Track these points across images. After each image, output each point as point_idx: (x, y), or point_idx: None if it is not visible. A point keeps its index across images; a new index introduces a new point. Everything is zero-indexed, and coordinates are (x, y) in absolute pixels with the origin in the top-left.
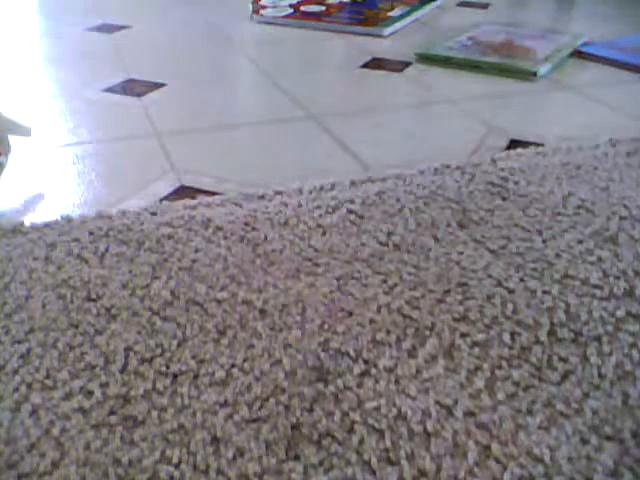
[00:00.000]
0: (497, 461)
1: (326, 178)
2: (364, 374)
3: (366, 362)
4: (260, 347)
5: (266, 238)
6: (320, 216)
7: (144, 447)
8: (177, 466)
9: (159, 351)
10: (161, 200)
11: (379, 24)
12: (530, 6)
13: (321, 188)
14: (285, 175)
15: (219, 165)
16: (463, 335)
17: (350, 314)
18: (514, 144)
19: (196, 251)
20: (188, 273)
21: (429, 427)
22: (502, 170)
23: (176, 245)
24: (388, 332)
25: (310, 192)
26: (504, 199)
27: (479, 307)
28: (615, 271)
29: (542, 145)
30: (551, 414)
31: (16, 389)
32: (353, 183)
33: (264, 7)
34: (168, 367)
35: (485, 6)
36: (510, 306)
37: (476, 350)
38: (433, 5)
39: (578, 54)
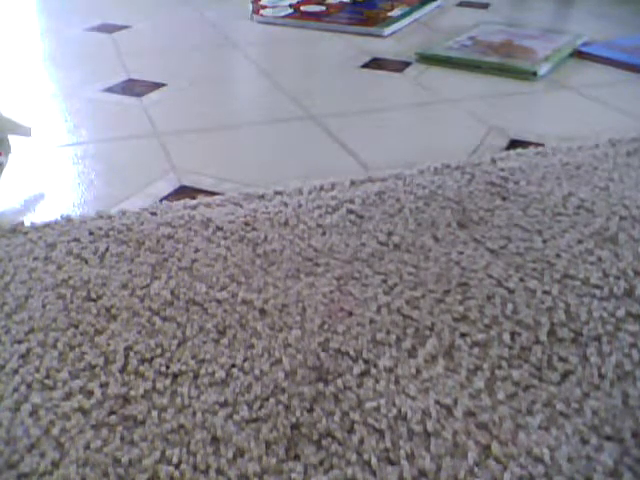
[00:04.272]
0: (497, 461)
1: (326, 178)
2: (364, 374)
3: (366, 362)
4: (260, 347)
5: (266, 238)
6: (320, 216)
7: (144, 447)
8: (177, 466)
9: (159, 351)
10: (161, 200)
11: (379, 24)
12: (530, 6)
13: (321, 188)
14: (285, 175)
15: (219, 165)
16: (463, 335)
17: (350, 314)
18: (514, 144)
19: (196, 251)
20: (188, 273)
21: (429, 427)
22: (502, 170)
23: (176, 245)
24: (388, 332)
25: (310, 192)
26: (504, 199)
27: (479, 307)
28: (615, 271)
29: (542, 145)
30: (551, 414)
31: (16, 389)
32: (353, 183)
33: (264, 7)
34: (168, 367)
35: (485, 6)
36: (510, 306)
37: (476, 350)
38: (433, 5)
39: (578, 54)
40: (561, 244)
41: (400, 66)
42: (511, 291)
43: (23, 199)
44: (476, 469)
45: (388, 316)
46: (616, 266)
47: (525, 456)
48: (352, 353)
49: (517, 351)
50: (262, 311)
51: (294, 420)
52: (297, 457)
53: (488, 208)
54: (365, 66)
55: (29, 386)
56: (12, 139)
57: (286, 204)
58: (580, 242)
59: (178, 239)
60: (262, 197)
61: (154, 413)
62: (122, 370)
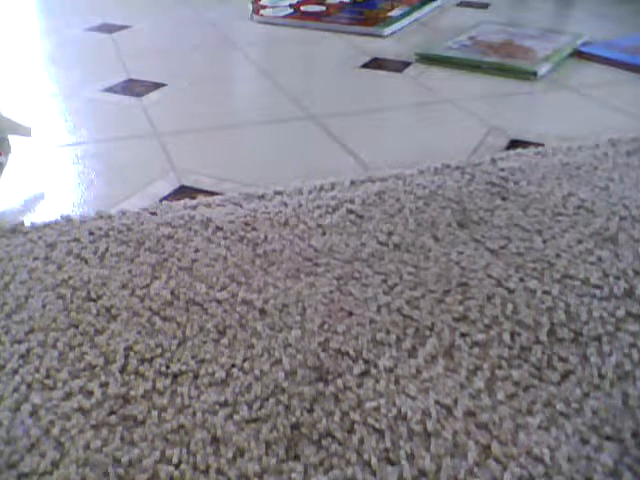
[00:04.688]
0: (497, 461)
1: (326, 178)
2: (364, 374)
3: (366, 362)
4: (260, 347)
5: (266, 238)
6: (320, 216)
7: (144, 447)
8: (177, 466)
9: (159, 351)
10: (161, 200)
11: (379, 24)
12: (530, 6)
13: (321, 188)
14: (285, 175)
15: (219, 165)
16: (463, 335)
17: (350, 314)
18: (514, 144)
19: (196, 251)
20: (188, 273)
21: (429, 427)
22: (502, 170)
23: (176, 245)
24: (388, 332)
25: (310, 192)
26: (504, 199)
27: (479, 307)
28: (615, 271)
29: (542, 145)
30: (551, 414)
31: (16, 389)
32: (353, 183)
33: (264, 7)
34: (168, 367)
35: (485, 6)
36: (510, 306)
37: (476, 350)
38: (433, 5)
39: (578, 54)
40: (561, 244)
41: (400, 66)
42: (511, 291)
43: (23, 199)
44: (476, 469)
45: (388, 316)
46: (616, 266)
47: (525, 456)
48: (352, 353)
49: (517, 351)
50: (262, 311)
51: (294, 420)
52: (297, 457)
53: (488, 208)
54: (365, 66)
55: (29, 386)
56: (12, 139)
57: (286, 204)
58: (580, 242)
59: (178, 239)
60: (262, 197)
61: (154, 413)
62: (122, 370)
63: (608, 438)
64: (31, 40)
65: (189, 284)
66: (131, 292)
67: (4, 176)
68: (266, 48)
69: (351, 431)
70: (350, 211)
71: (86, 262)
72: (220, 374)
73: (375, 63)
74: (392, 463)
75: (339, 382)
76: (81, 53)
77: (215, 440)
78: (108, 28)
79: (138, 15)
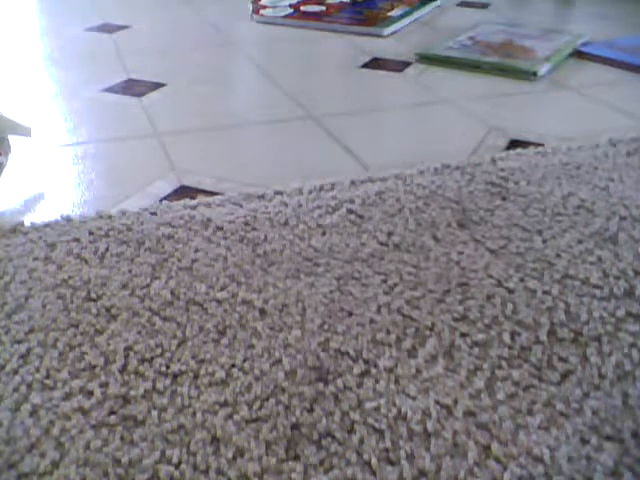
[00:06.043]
0: (497, 461)
1: (326, 178)
2: (364, 374)
3: (366, 362)
4: (260, 347)
5: (266, 238)
6: (320, 216)
7: (144, 447)
8: (177, 466)
9: (159, 351)
10: (161, 200)
11: (379, 24)
12: (530, 6)
13: (321, 188)
14: (285, 175)
15: (219, 165)
16: (463, 335)
17: (350, 314)
18: (514, 144)
19: (196, 251)
20: (188, 273)
21: (429, 427)
22: (502, 170)
23: (176, 245)
24: (388, 332)
25: (310, 192)
26: (504, 199)
27: (479, 307)
28: (615, 271)
29: (542, 145)
30: (551, 414)
31: (16, 389)
32: (353, 183)
33: (264, 7)
34: (168, 367)
35: (485, 6)
36: (510, 306)
37: (476, 350)
38: (433, 5)
39: (578, 54)
40: (561, 244)
41: (400, 66)
42: (511, 291)
43: (23, 199)
44: (476, 469)
45: (388, 316)
46: (616, 266)
47: (525, 456)
48: (352, 353)
49: (517, 351)
50: (262, 311)
51: (294, 420)
52: (297, 457)
53: (488, 208)
54: (365, 66)
55: (29, 386)
56: (12, 139)
57: (286, 204)
58: (580, 242)
59: (178, 239)
60: (262, 197)
61: (154, 413)
62: (122, 370)
63: (608, 438)
64: (31, 40)
65: (189, 284)
66: (131, 292)
67: (4, 176)
68: (266, 48)
69: (351, 431)
70: (350, 211)
71: (86, 262)
72: (220, 374)
73: (375, 63)
74: (392, 463)
75: (339, 382)
76: (81, 53)
77: (215, 440)
78: (108, 28)
79: (138, 15)
